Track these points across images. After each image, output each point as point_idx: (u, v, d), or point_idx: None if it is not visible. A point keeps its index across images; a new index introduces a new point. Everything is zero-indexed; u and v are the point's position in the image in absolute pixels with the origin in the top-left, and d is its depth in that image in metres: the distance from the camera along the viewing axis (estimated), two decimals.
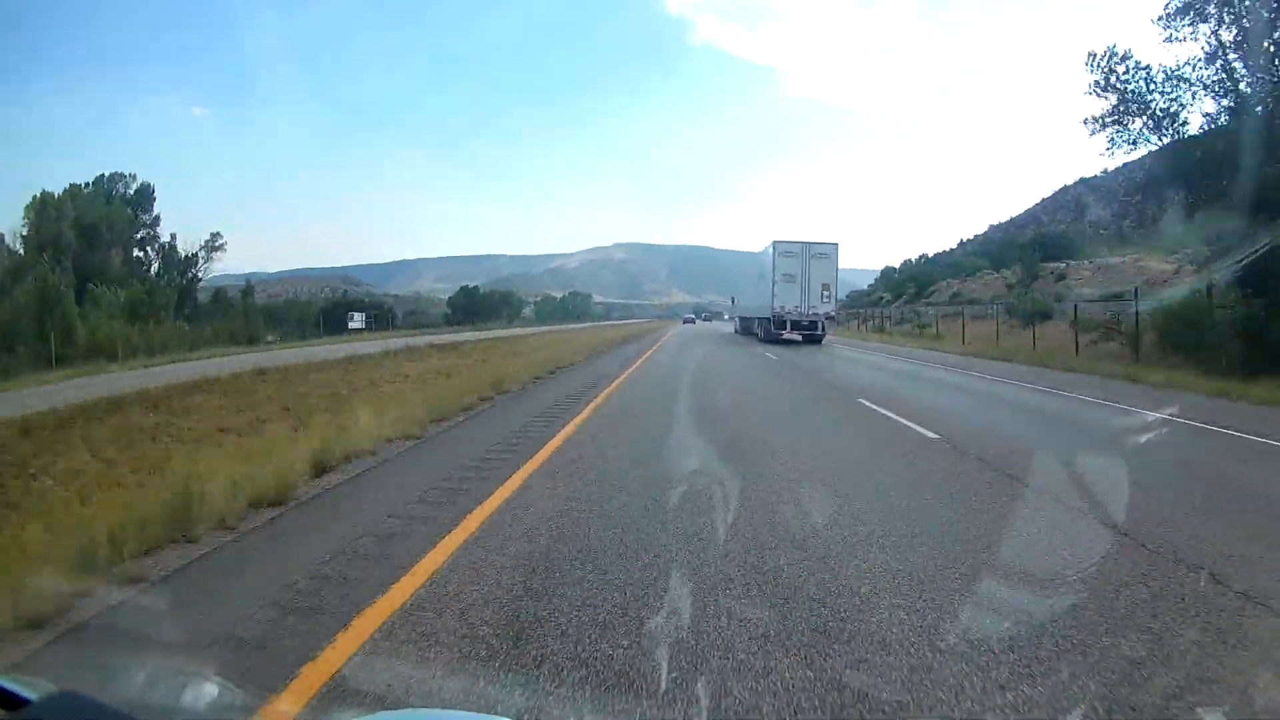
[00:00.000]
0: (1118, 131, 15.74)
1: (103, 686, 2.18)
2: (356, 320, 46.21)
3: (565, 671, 2.31)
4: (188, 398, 10.82)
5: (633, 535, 3.74)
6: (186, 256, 45.93)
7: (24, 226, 39.65)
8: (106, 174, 47.42)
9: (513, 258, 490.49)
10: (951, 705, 2.13)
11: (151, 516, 3.60)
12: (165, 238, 46.54)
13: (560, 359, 15.57)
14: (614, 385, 11.45)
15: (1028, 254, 44.41)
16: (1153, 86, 15.07)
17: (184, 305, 41.67)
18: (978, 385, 12.33)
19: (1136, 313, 16.33)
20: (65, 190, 42.57)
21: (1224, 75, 14.41)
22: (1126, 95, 15.40)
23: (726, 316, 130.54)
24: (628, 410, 8.97)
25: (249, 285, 55.09)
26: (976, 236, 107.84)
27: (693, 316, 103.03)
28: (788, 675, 2.29)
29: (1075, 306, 21.65)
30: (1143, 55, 17.62)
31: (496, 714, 2.01)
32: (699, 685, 2.23)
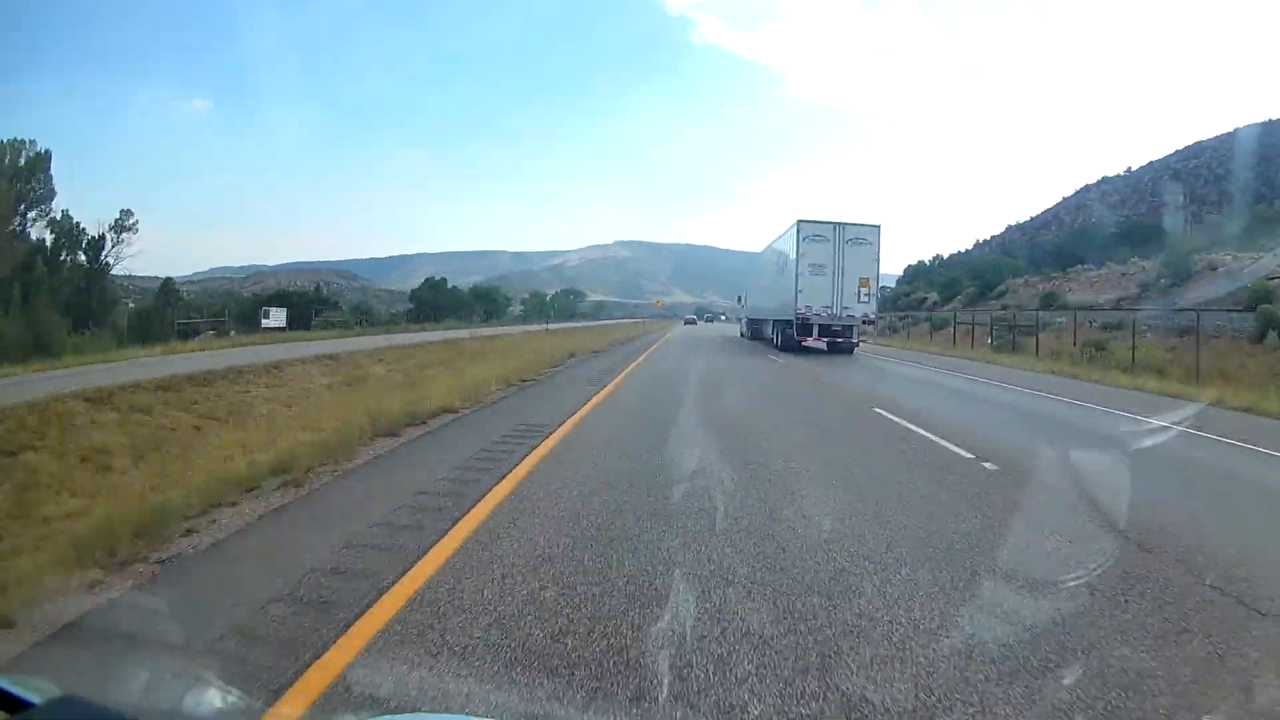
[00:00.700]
0: None
1: (105, 686, 2.14)
2: (274, 317, 39.69)
3: None
4: None
5: None
6: (91, 240, 38.78)
7: None
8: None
9: (514, 254, 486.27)
10: None
11: None
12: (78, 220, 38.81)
13: (499, 376, 10.47)
14: (539, 454, 5.92)
15: (1176, 243, 35.04)
16: None
17: (89, 296, 35.61)
18: None
19: None
20: None
21: None
22: None
23: (724, 317, 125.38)
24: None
25: (167, 281, 48.76)
26: (995, 237, 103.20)
27: (694, 317, 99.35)
28: None
29: None
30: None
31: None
32: None
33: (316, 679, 2.24)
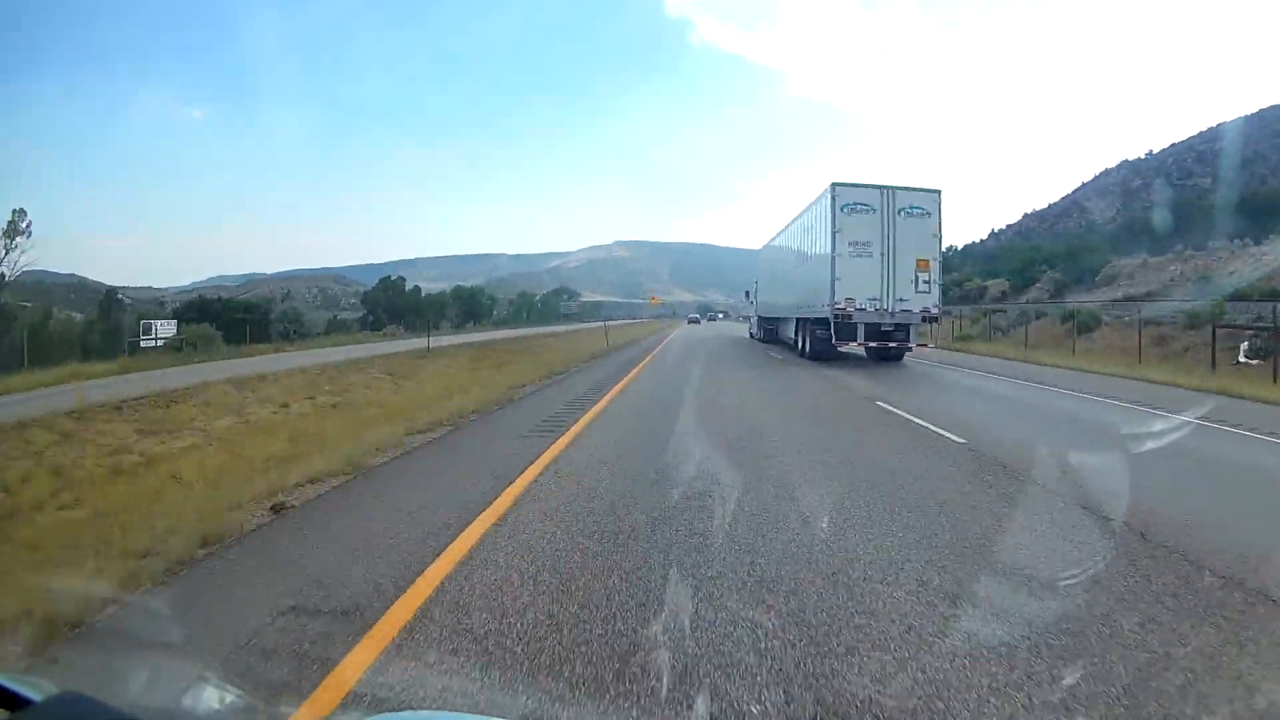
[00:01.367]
0: None
1: (108, 687, 2.10)
2: (162, 330, 33.94)
3: None
4: None
5: None
6: None
7: None
8: None
9: (513, 256, 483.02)
10: None
11: None
12: None
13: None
14: None
15: None
16: None
17: None
18: None
19: None
20: None
21: None
22: None
23: (723, 315, 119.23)
24: None
25: (111, 293, 43.89)
26: (1010, 226, 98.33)
27: (698, 316, 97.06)
28: None
29: None
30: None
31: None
32: None
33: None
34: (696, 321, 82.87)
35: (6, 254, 34.31)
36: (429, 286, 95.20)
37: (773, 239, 23.51)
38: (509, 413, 8.74)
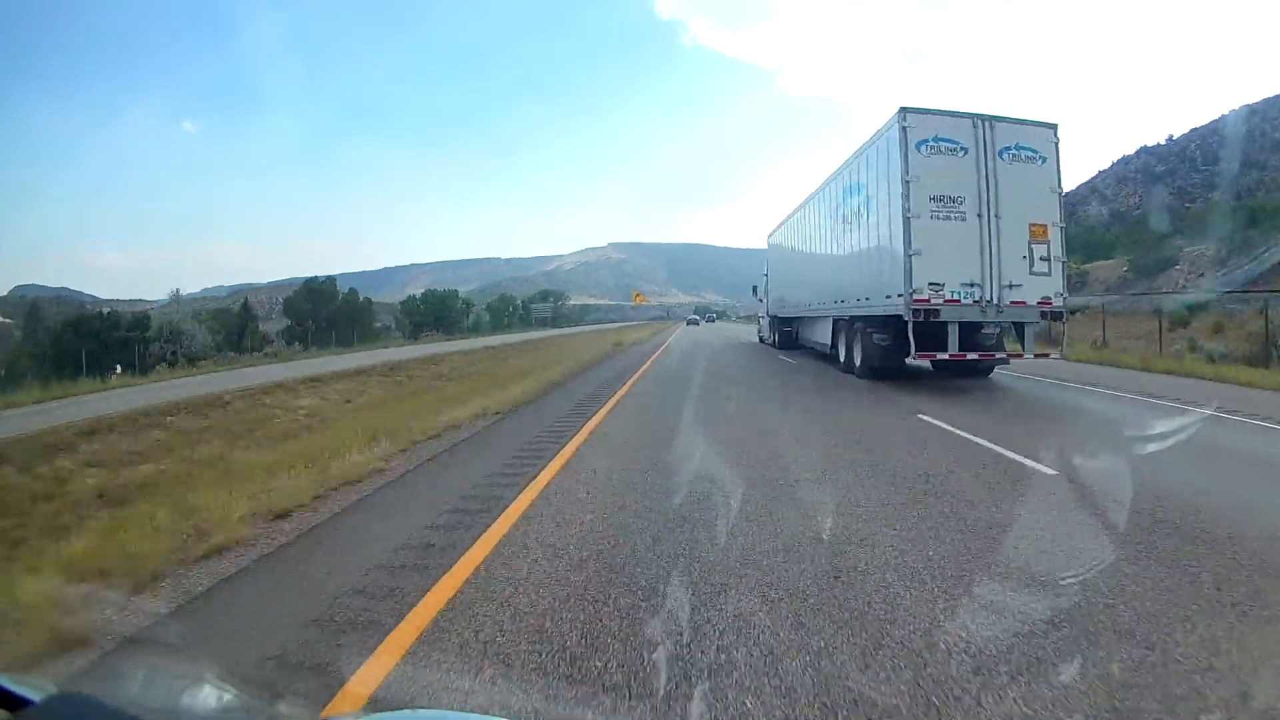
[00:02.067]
0: None
1: (108, 687, 2.08)
2: None
3: None
4: None
5: None
6: None
7: None
8: None
9: (507, 260, 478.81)
10: None
11: None
12: None
13: None
14: None
15: None
16: None
17: None
18: None
19: None
20: None
21: None
22: None
23: (714, 317, 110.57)
24: None
25: (33, 306, 38.57)
26: None
27: (697, 318, 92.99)
28: None
29: None
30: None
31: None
32: None
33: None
34: (695, 323, 79.49)
35: None
36: (422, 293, 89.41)
37: (791, 214, 18.28)
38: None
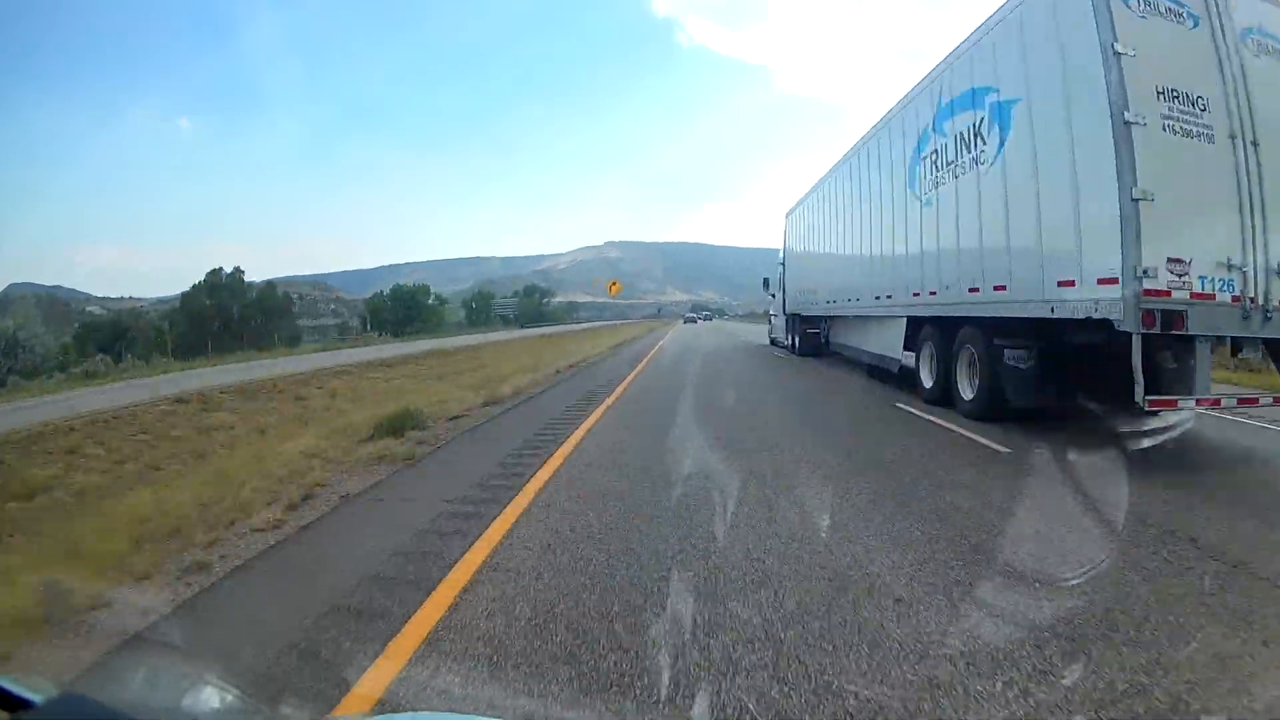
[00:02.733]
0: None
1: (108, 688, 2.06)
2: None
3: None
4: None
5: None
6: None
7: None
8: None
9: (503, 259, 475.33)
10: None
11: None
12: None
13: None
14: None
15: None
16: None
17: None
18: None
19: None
20: None
21: None
22: None
23: (708, 315, 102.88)
24: None
25: None
26: None
27: (695, 316, 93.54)
28: None
29: None
30: None
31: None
32: None
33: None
34: (694, 321, 77.35)
35: None
36: (390, 289, 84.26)
37: (824, 178, 13.46)
38: None
